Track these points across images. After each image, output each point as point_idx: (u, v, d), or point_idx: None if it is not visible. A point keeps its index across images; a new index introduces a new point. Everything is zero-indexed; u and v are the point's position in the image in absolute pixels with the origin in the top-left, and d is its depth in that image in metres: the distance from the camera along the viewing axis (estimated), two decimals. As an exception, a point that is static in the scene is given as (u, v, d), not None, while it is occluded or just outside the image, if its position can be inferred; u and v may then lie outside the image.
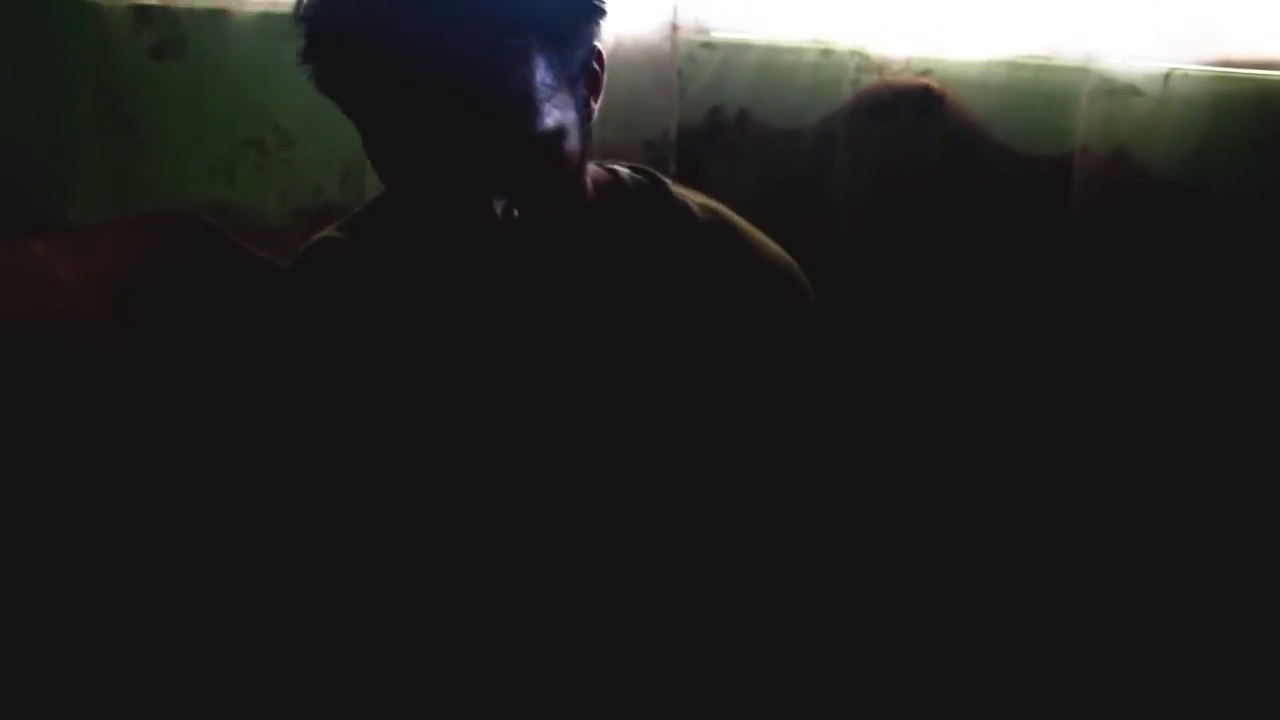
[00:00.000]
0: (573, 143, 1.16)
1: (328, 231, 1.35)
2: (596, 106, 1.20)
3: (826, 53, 1.63)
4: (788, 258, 1.30)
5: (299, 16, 1.13)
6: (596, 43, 1.17)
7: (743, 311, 1.27)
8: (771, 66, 1.66)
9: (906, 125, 1.58)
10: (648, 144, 1.67)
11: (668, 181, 1.31)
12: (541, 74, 1.10)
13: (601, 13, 1.16)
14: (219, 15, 1.98)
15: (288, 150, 1.97)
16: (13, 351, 1.64)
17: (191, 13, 2.00)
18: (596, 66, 1.19)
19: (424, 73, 1.07)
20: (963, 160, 1.57)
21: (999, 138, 1.57)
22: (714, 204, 1.31)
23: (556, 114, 1.12)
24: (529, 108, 1.10)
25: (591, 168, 1.27)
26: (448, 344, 1.28)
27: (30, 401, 1.63)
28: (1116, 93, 1.48)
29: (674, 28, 1.65)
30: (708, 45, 1.69)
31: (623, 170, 1.31)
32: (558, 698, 1.27)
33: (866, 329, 1.57)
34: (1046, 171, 1.54)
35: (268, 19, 1.95)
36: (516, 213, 1.13)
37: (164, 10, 2.01)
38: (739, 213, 1.33)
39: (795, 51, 1.65)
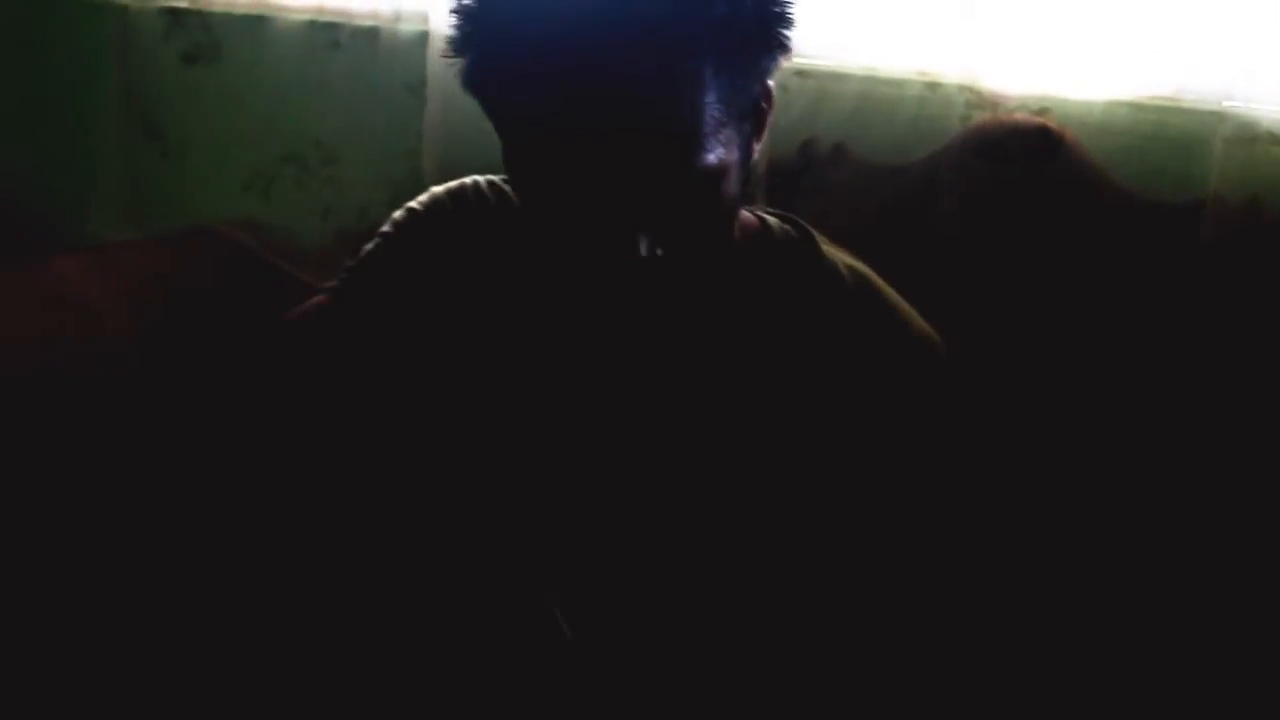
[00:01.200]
0: (731, 185, 1.06)
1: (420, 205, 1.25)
2: (758, 148, 1.10)
3: (933, 86, 1.54)
4: (933, 334, 1.22)
5: (455, 9, 1.05)
6: (770, 81, 1.08)
7: (880, 384, 1.18)
8: (871, 98, 1.57)
9: (1020, 167, 1.49)
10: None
11: (816, 236, 1.22)
12: (712, 105, 1.00)
13: (784, 48, 1.06)
14: (258, 21, 1.87)
15: (330, 167, 1.86)
16: (41, 378, 1.54)
17: (228, 18, 1.89)
18: (765, 105, 1.09)
19: (589, 87, 0.97)
20: (1081, 206, 1.47)
21: (1121, 183, 1.48)
22: (862, 267, 1.22)
23: (720, 151, 1.02)
24: (694, 140, 1.00)
25: (740, 212, 1.17)
26: (554, 371, 1.18)
27: (59, 429, 1.54)
28: (1257, 140, 1.39)
29: (766, 54, 1.55)
30: (802, 73, 1.59)
31: (771, 219, 1.22)
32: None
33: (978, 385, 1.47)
34: (1172, 220, 1.45)
35: (313, 27, 1.84)
36: (661, 252, 1.03)
37: (198, 14, 1.90)
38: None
39: (898, 83, 1.56)
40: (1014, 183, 1.50)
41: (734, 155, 1.04)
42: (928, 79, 1.54)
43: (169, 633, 1.40)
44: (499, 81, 1.04)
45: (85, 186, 1.97)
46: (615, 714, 1.20)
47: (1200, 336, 1.45)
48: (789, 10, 1.06)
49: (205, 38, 1.89)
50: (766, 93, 1.09)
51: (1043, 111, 1.49)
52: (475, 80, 1.05)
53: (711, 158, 1.01)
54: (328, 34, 1.84)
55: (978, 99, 1.51)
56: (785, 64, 1.50)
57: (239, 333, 1.67)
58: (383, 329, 1.24)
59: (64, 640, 1.41)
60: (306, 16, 1.85)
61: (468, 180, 1.25)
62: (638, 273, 1.03)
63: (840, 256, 1.22)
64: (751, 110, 1.07)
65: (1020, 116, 1.50)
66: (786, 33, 1.06)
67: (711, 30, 0.99)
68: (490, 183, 1.24)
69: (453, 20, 1.04)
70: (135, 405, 1.60)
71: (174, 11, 1.90)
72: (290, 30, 1.85)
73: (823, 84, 1.58)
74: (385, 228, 1.27)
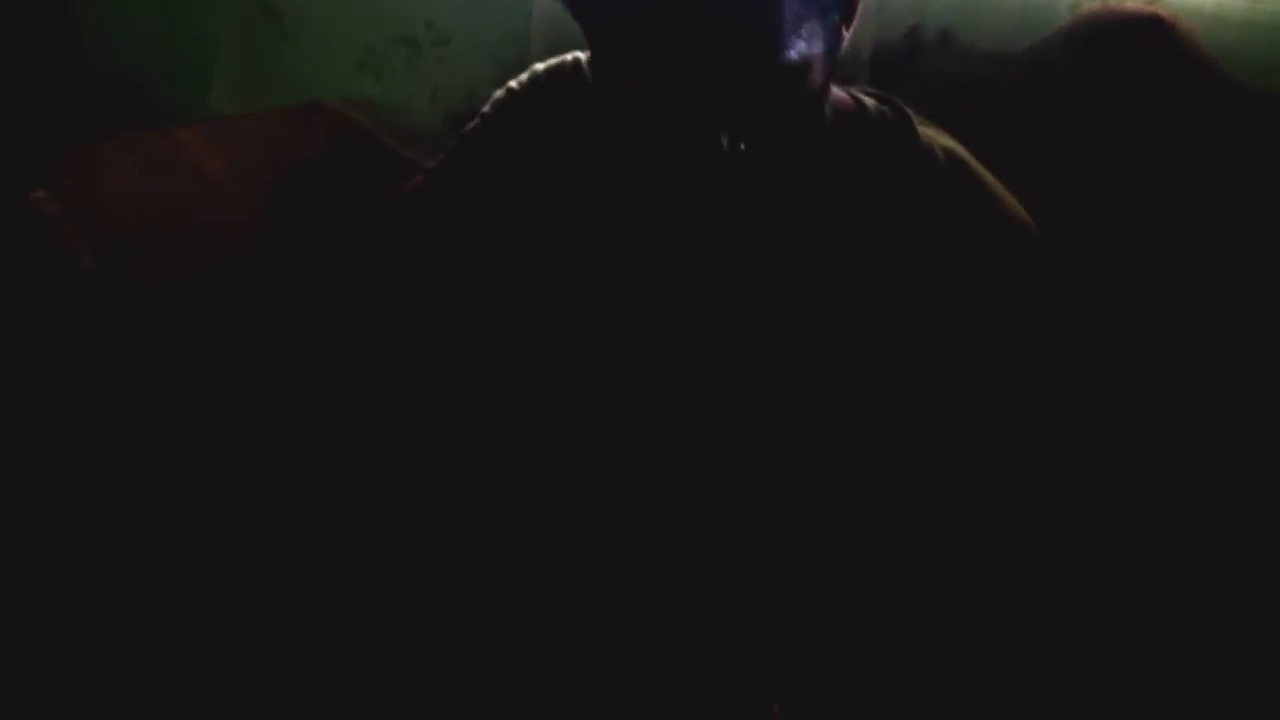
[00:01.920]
0: (816, 77, 1.07)
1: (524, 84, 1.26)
2: (849, 35, 1.10)
3: (1044, -28, 1.51)
4: (1027, 217, 1.21)
5: None
6: None
7: (973, 265, 1.17)
8: (980, -16, 1.54)
9: (1130, 56, 1.46)
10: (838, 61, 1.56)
11: (914, 117, 1.21)
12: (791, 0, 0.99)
13: None
14: (376, -101, 1.88)
15: (442, 48, 1.87)
16: (163, 239, 1.59)
17: (345, -104, 1.90)
18: None
19: None
20: (1192, 97, 1.44)
21: (1234, 74, 1.44)
22: (958, 149, 1.21)
23: (802, 45, 1.02)
24: (774, 35, 1.00)
25: (836, 91, 1.17)
26: (643, 259, 1.19)
27: (173, 290, 1.59)
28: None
29: (875, -63, 1.54)
30: (910, -42, 1.56)
31: (868, 101, 1.21)
32: (722, 668, 1.20)
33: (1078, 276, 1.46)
34: (1283, 113, 1.42)
35: (428, -95, 1.85)
36: (744, 147, 1.04)
37: (317, -108, 1.91)
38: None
39: (1008, -31, 1.53)
40: (1123, 72, 1.47)
41: (817, 48, 1.04)
42: (1039, -35, 1.52)
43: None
44: None
45: (206, 65, 2.01)
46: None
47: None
48: None
49: (323, -84, 1.92)
50: None
51: (1154, 1, 1.46)
52: None
53: (793, 52, 1.01)
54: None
55: (1089, -14, 1.48)
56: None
57: (347, 207, 1.72)
58: (477, 208, 1.26)
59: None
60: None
61: (568, 57, 1.26)
62: (721, 166, 1.04)
63: (937, 138, 1.21)
64: (834, 1, 1.06)
65: (1131, 5, 1.47)
66: None
67: None
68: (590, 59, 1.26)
69: None
70: (247, 271, 1.65)
71: (293, -107, 1.93)
72: (407, -91, 1.87)
73: (932, -32, 1.57)
74: (485, 108, 1.29)
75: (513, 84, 1.28)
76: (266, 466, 1.52)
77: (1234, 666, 1.37)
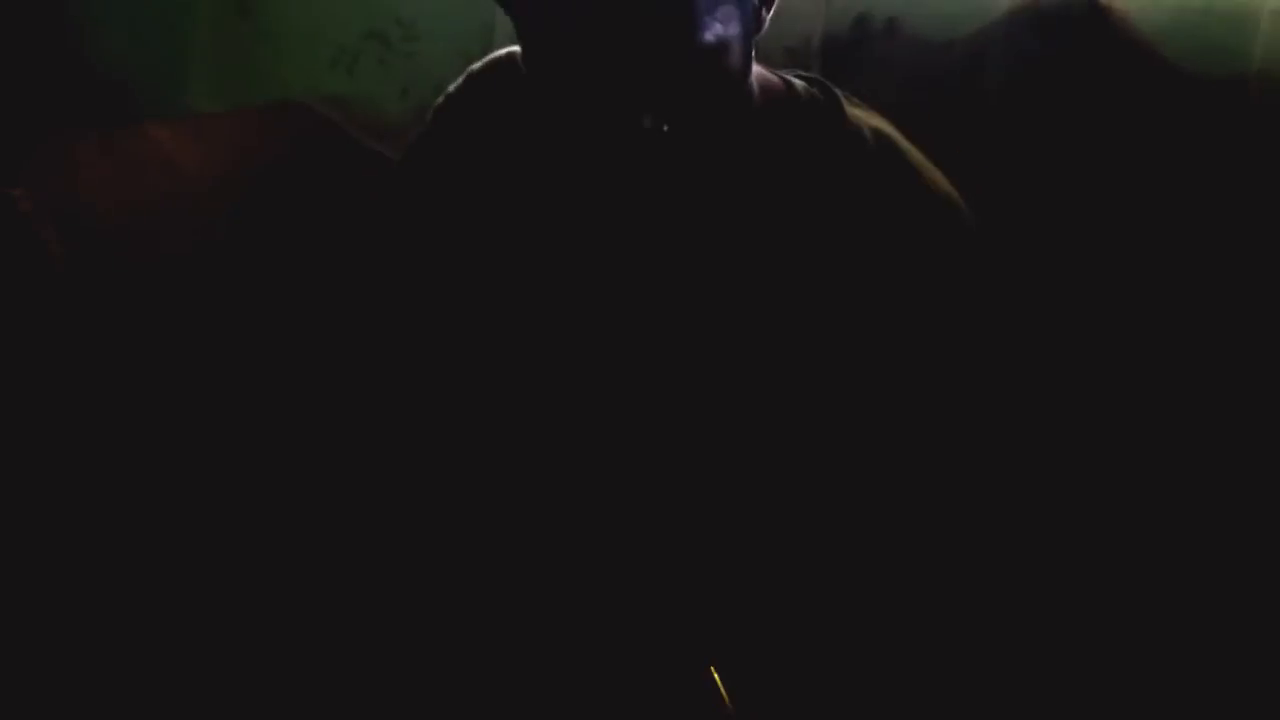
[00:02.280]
0: (735, 58, 1.10)
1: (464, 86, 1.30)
2: (769, 16, 1.14)
3: (985, -40, 1.54)
4: (956, 194, 1.23)
5: None
6: None
7: (899, 240, 1.19)
8: (924, -28, 1.58)
9: (1069, 41, 1.49)
10: (789, 51, 1.60)
11: (842, 98, 1.23)
12: None
13: None
14: (343, -107, 1.92)
15: (411, 44, 1.91)
16: (137, 236, 1.63)
17: (315, -106, 1.94)
18: None
19: None
20: (1128, 80, 1.48)
21: (1169, 57, 1.47)
22: (887, 128, 1.24)
23: (719, 28, 1.06)
24: (688, 19, 1.04)
25: (762, 73, 1.21)
26: (580, 243, 1.23)
27: (146, 287, 1.63)
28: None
29: (823, -72, 1.57)
30: (858, -52, 1.60)
31: (797, 82, 1.24)
32: (677, 623, 1.23)
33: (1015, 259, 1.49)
34: (1218, 95, 1.45)
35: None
36: (666, 127, 1.08)
37: (285, -110, 1.95)
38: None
39: (951, -43, 1.56)
40: (1062, 56, 1.50)
41: (734, 29, 1.08)
42: (980, -48, 1.55)
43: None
44: None
45: (181, 63, 2.05)
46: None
47: (1246, 212, 1.45)
48: None
49: (294, -85, 1.96)
50: None
51: (1092, -15, 1.49)
52: None
53: (709, 35, 1.05)
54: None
55: (1029, -28, 1.52)
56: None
57: (320, 202, 1.76)
58: (438, 207, 1.30)
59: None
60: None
61: (501, 53, 1.30)
62: (644, 146, 1.08)
63: (866, 119, 1.23)
64: None
65: (1070, -10, 1.50)
66: None
67: None
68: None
69: None
70: (221, 264, 1.69)
71: (264, -109, 1.97)
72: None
73: (878, -42, 1.60)
74: (428, 115, 1.33)
75: (450, 89, 1.32)
76: (241, 461, 1.56)
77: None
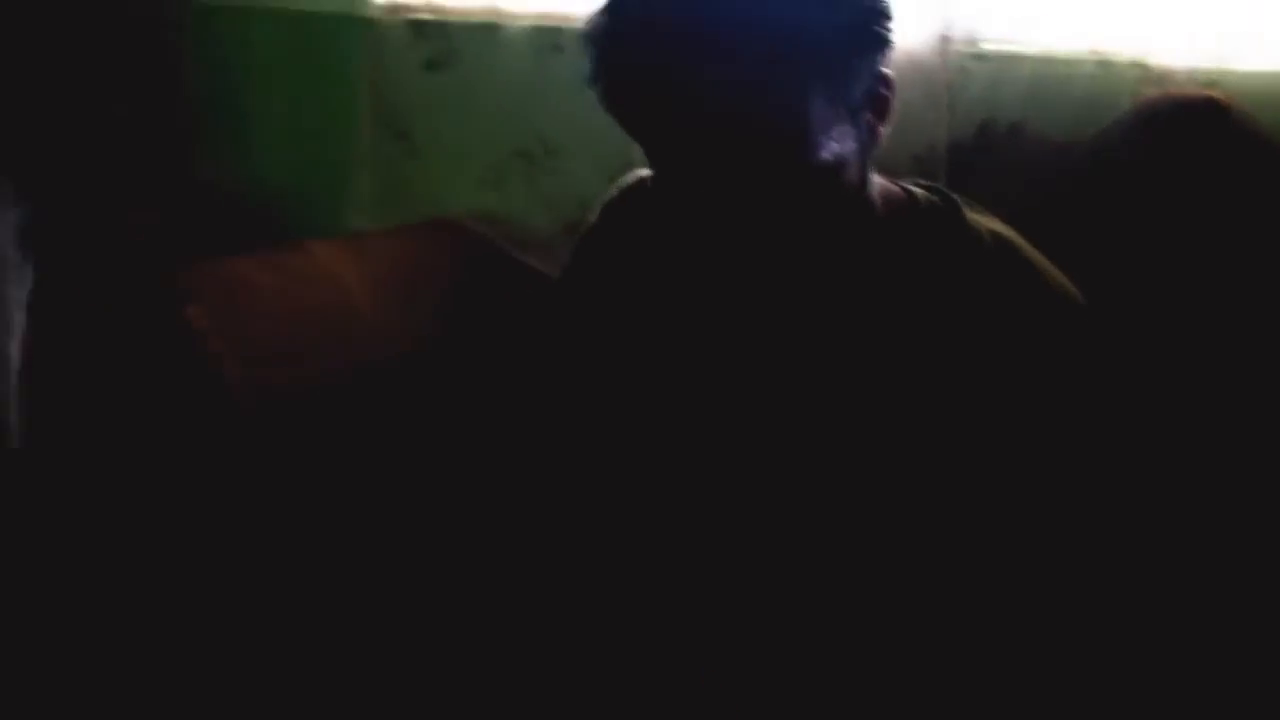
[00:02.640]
0: (851, 173, 1.16)
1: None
2: (885, 130, 1.19)
3: (1104, 64, 1.60)
4: (1074, 291, 1.27)
5: (587, 39, 1.17)
6: (884, 69, 1.16)
7: (1019, 339, 1.23)
8: (1045, 78, 1.64)
9: (1190, 138, 1.53)
10: (916, 158, 1.66)
11: (961, 204, 1.28)
12: (818, 106, 1.10)
13: (882, 44, 1.14)
14: (490, 28, 2.03)
15: (554, 160, 2.02)
16: (307, 348, 1.72)
17: (464, 26, 2.06)
18: (884, 91, 1.17)
19: (699, 103, 1.09)
20: (1250, 175, 1.51)
21: (1290, 151, 1.50)
22: (1006, 230, 1.28)
23: (834, 145, 1.12)
24: (804, 140, 1.10)
25: (884, 183, 1.27)
26: (715, 356, 1.30)
27: (323, 401, 1.69)
28: None
29: (945, 39, 1.64)
30: (979, 57, 1.67)
31: (918, 190, 1.30)
32: (784, 696, 1.27)
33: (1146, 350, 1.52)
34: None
35: (538, 32, 2.00)
36: (788, 241, 1.15)
37: (438, 24, 2.06)
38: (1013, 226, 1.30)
39: (1070, 63, 1.63)
40: (1185, 153, 1.54)
41: (849, 146, 1.14)
42: (1099, 57, 1.61)
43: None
44: (627, 103, 1.17)
45: (340, 185, 2.18)
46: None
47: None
48: (884, 6, 1.13)
49: (445, 44, 2.06)
50: (883, 80, 1.16)
51: (1211, 84, 1.53)
52: (609, 103, 1.18)
53: (825, 154, 1.11)
54: (550, 37, 2.00)
55: (1147, 74, 1.57)
56: (964, 48, 1.61)
57: (476, 315, 1.84)
58: (603, 302, 1.38)
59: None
60: (531, 22, 2.01)
61: (633, 177, 1.38)
62: (768, 261, 1.16)
63: (985, 223, 1.28)
64: (865, 102, 1.15)
65: (1189, 90, 1.54)
66: (887, 28, 1.13)
67: (805, 40, 1.08)
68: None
69: (585, 52, 1.17)
70: (389, 377, 1.76)
71: (417, 23, 2.09)
72: (518, 35, 2.02)
73: (1000, 66, 1.66)
74: (593, 213, 1.42)
75: (590, 218, 1.42)
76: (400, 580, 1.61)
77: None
